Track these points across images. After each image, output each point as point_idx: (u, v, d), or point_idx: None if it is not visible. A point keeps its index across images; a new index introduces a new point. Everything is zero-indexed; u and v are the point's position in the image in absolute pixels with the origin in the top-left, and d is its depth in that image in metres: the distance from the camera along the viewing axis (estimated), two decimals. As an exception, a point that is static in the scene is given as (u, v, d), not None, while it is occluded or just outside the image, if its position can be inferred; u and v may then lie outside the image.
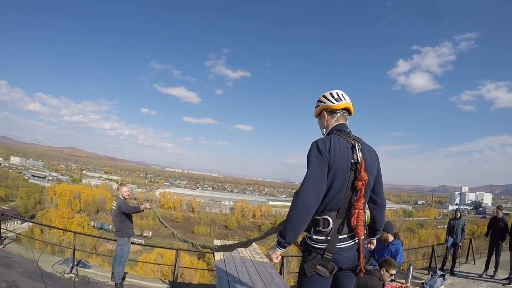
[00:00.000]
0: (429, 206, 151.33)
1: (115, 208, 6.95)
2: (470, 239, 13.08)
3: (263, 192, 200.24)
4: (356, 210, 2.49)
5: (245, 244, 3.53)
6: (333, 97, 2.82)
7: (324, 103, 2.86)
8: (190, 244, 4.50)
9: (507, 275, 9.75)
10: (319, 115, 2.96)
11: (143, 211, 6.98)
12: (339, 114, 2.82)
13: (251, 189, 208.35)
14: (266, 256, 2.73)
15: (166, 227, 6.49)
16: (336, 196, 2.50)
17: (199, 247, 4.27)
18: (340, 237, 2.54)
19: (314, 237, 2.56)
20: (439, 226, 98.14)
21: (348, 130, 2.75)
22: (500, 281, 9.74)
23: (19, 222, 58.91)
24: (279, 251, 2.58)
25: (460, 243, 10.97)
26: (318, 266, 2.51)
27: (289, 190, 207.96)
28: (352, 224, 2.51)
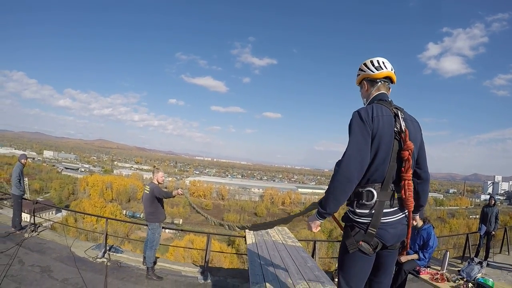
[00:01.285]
0: (461, 195, 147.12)
1: (148, 192, 6.94)
2: (505, 228, 12.61)
3: (292, 179, 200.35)
4: (406, 181, 2.38)
5: (285, 221, 3.32)
6: (373, 65, 2.66)
7: (364, 71, 2.71)
8: (227, 226, 4.37)
9: None
10: (360, 83, 2.81)
11: (174, 196, 6.96)
12: (379, 83, 2.67)
13: (280, 176, 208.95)
14: (305, 227, 2.58)
15: (198, 212, 6.42)
16: (381, 166, 2.37)
17: (237, 228, 4.10)
18: (385, 210, 2.41)
19: (357, 210, 2.43)
20: (470, 216, 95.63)
21: (389, 99, 2.62)
22: None
23: (53, 212, 60.88)
24: (318, 222, 2.49)
25: (494, 232, 10.63)
26: (361, 242, 2.39)
27: (319, 177, 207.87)
28: (403, 195, 2.40)
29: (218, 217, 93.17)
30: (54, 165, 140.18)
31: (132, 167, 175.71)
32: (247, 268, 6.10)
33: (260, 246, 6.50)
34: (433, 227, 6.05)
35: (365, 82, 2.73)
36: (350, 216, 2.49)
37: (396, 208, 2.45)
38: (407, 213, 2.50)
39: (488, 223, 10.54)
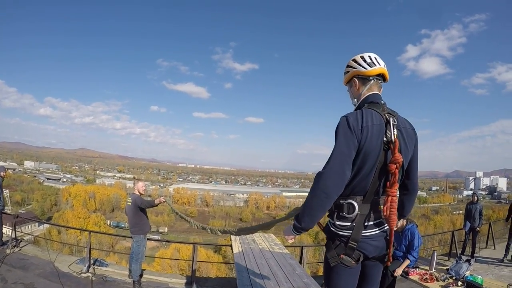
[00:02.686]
0: (444, 192, 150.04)
1: (130, 203, 6.89)
2: (490, 223, 12.90)
3: (276, 183, 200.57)
4: (390, 198, 2.20)
5: (268, 226, 3.21)
6: (365, 61, 2.40)
7: (355, 68, 2.44)
8: (209, 230, 4.26)
9: None
10: (349, 82, 2.55)
11: (157, 205, 6.89)
12: (372, 81, 2.40)
13: (264, 181, 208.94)
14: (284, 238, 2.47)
15: (181, 217, 6.31)
16: (365, 180, 2.21)
17: (219, 232, 4.02)
18: (366, 223, 2.27)
19: (338, 223, 2.30)
20: (454, 212, 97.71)
21: (382, 101, 2.35)
22: None
23: (36, 224, 59.76)
24: (293, 235, 2.35)
25: (478, 228, 10.85)
26: (342, 256, 2.27)
27: (302, 180, 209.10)
28: (385, 213, 2.22)
29: (203, 223, 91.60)
30: (35, 176, 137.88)
31: (115, 176, 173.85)
32: (235, 277, 6.07)
33: (247, 255, 6.49)
34: (417, 226, 6.08)
35: (356, 80, 2.45)
36: (331, 228, 2.36)
37: (376, 221, 2.32)
38: (385, 229, 2.37)
39: (472, 219, 10.76)
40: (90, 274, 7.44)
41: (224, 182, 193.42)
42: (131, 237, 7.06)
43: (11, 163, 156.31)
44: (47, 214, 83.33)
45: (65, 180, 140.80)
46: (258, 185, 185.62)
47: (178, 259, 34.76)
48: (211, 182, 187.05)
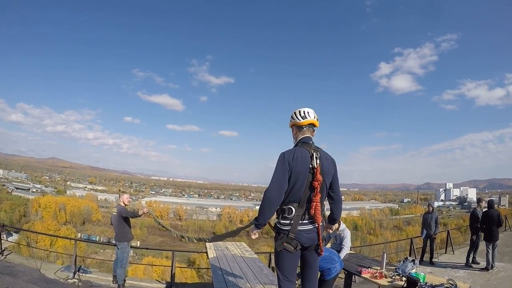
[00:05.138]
0: (415, 204, 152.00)
1: (115, 213, 7.54)
2: (448, 231, 13.94)
3: (249, 197, 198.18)
4: (314, 203, 3.34)
5: (234, 233, 4.19)
6: (300, 115, 3.63)
7: (294, 119, 3.67)
8: (187, 238, 5.20)
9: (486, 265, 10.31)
10: (291, 127, 3.77)
11: (141, 215, 7.58)
12: (305, 128, 3.62)
13: (238, 194, 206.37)
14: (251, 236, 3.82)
15: (163, 227, 7.16)
16: (298, 192, 3.35)
17: (195, 240, 4.96)
18: (301, 221, 3.39)
19: (282, 221, 3.45)
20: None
21: (311, 142, 3.58)
22: (476, 269, 10.45)
23: (4, 235, 57.93)
24: (255, 230, 3.55)
25: (434, 235, 11.83)
26: (284, 243, 3.38)
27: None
28: (311, 213, 3.36)
29: (176, 239, 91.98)
30: (4, 185, 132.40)
31: (86, 187, 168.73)
32: (209, 282, 6.76)
33: (221, 259, 7.19)
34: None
35: (294, 128, 3.70)
36: (278, 225, 3.50)
37: (310, 220, 3.42)
38: (316, 225, 3.45)
39: (429, 227, 11.78)
40: (76, 280, 7.95)
41: (197, 195, 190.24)
42: (115, 245, 7.70)
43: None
44: (16, 226, 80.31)
45: (34, 190, 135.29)
46: (231, 199, 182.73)
47: (157, 265, 35.06)
48: (184, 195, 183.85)
